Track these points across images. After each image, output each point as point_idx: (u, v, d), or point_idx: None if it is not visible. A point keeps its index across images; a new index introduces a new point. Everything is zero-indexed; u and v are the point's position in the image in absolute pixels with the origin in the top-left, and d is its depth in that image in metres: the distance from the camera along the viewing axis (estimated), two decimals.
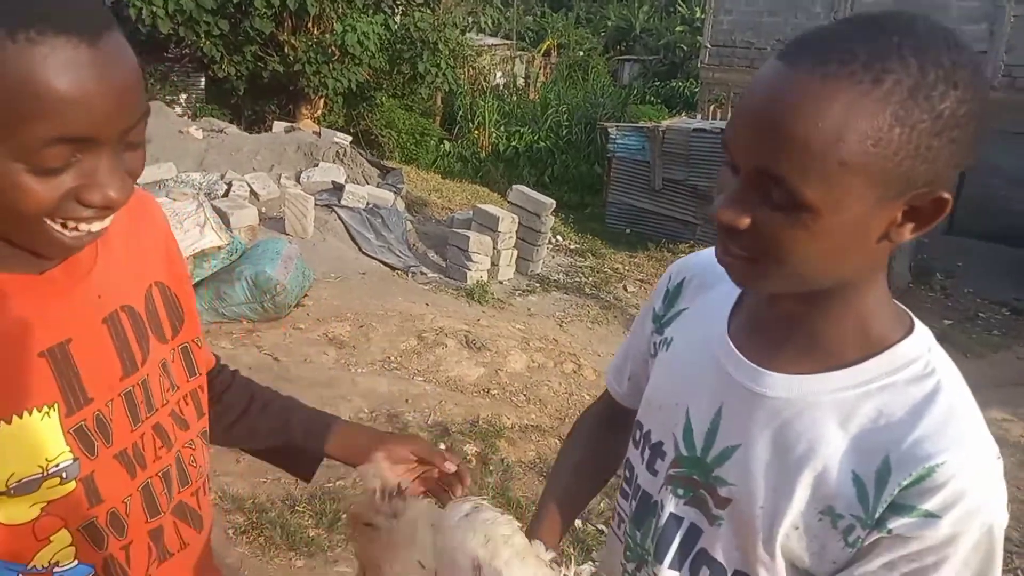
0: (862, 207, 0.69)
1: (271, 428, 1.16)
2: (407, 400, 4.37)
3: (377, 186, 7.32)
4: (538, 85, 18.60)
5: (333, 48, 10.41)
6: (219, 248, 4.99)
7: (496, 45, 19.32)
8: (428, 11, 11.28)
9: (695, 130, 11.29)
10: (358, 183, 7.18)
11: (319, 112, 11.23)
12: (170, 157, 6.99)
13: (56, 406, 0.82)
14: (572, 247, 8.60)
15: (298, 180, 7.08)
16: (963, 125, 0.67)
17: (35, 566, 0.84)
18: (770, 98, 0.68)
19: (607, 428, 1.16)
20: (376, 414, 4.21)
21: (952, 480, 0.72)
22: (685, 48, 21.13)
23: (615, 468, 1.14)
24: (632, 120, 13.92)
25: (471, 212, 6.85)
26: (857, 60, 0.65)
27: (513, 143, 15.22)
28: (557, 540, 1.05)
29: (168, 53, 11.11)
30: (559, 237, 8.78)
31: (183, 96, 11.25)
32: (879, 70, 0.65)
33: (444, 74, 11.55)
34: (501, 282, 6.57)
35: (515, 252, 6.69)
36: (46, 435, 0.81)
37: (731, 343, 0.87)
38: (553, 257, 7.80)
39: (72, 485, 0.84)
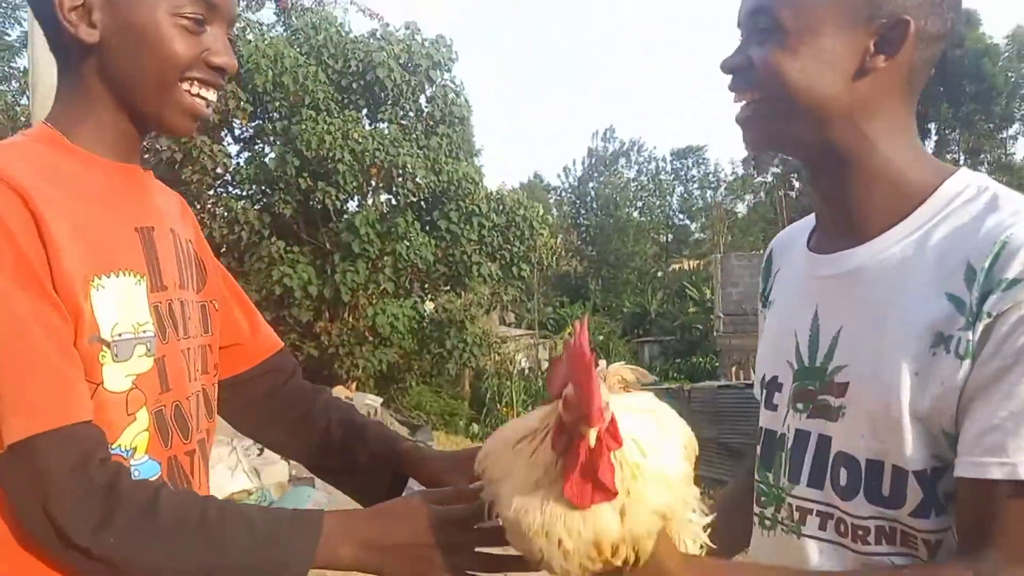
0: (830, 30, 0.82)
1: (346, 438, 1.13)
2: None
3: None
4: None
5: (365, 331, 11.05)
6: (249, 493, 4.89)
7: (520, 335, 20.37)
8: (456, 295, 12.12)
9: (721, 387, 11.40)
10: None
11: (351, 393, 11.56)
12: None
13: (144, 279, 0.90)
14: None
15: None
16: None
17: (120, 446, 0.85)
18: None
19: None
20: None
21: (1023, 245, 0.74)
22: (700, 327, 22.05)
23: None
24: (655, 386, 14.13)
25: None
26: None
27: None
28: None
29: None
30: None
31: None
32: None
33: (471, 351, 12.03)
34: None
35: None
36: (138, 299, 0.89)
37: (811, 253, 0.96)
38: None
39: (151, 363, 0.89)
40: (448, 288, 12.14)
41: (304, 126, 10.23)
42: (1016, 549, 0.74)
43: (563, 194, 27.79)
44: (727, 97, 0.91)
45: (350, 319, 11.43)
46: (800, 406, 0.91)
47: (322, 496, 5.26)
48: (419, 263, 10.88)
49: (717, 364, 17.07)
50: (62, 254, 0.79)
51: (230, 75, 0.93)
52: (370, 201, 11.55)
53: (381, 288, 11.03)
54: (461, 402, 14.97)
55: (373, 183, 11.13)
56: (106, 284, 0.84)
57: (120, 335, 0.85)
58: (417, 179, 10.94)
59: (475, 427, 14.93)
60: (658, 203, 28.95)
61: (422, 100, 11.71)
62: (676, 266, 27.39)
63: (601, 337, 21.42)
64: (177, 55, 0.87)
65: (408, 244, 10.75)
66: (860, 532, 0.83)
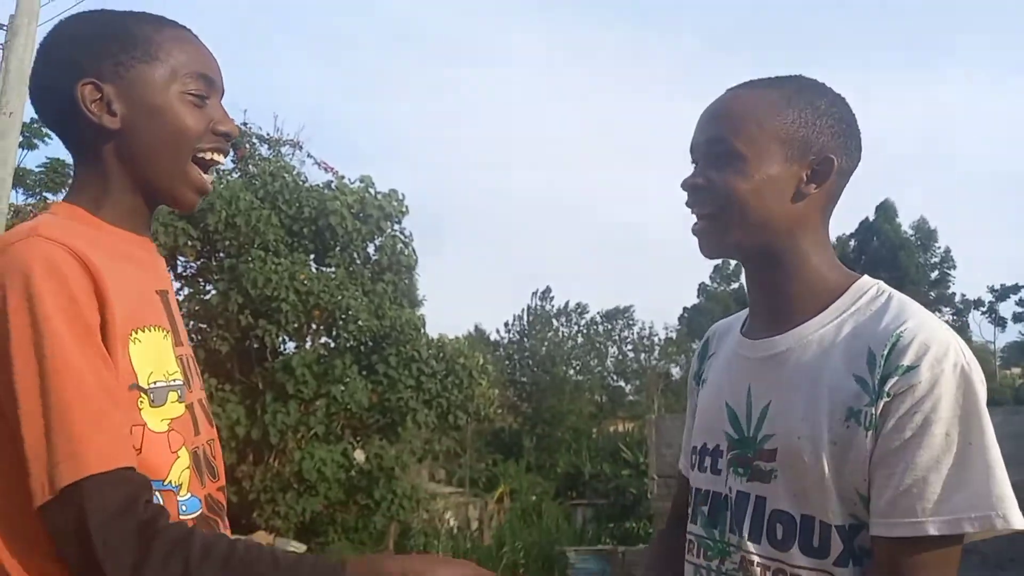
0: (776, 161, 1.01)
1: None
2: None
3: None
4: (492, 528, 18.54)
5: (290, 478, 10.61)
6: None
7: (451, 493, 19.72)
8: (388, 443, 11.84)
9: None
10: None
11: (271, 540, 10.87)
12: None
13: (169, 335, 1.00)
14: None
15: None
16: (834, 120, 1.04)
17: (170, 482, 0.93)
18: (712, 106, 1.07)
19: (673, 530, 1.28)
20: None
21: (916, 337, 0.92)
22: (635, 491, 21.74)
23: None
24: (590, 548, 13.72)
25: None
26: (765, 82, 1.06)
27: None
28: None
29: None
30: None
31: None
32: (779, 84, 1.05)
33: (400, 503, 11.61)
34: None
35: None
36: (167, 351, 0.98)
37: (743, 338, 1.12)
38: None
39: (183, 408, 0.98)
40: (381, 437, 11.89)
41: (252, 265, 10.33)
42: None
43: (501, 349, 28.09)
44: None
45: (275, 464, 10.99)
46: (741, 471, 1.04)
47: None
48: (353, 407, 10.71)
49: (651, 530, 16.76)
50: (113, 310, 0.87)
51: (234, 139, 1.05)
52: (309, 343, 11.49)
53: (312, 431, 10.74)
54: None
55: (315, 325, 11.15)
56: (142, 338, 0.92)
57: (155, 383, 0.93)
58: (359, 322, 11.02)
59: None
60: (595, 363, 29.45)
61: (370, 248, 12.04)
62: (612, 428, 27.42)
63: (534, 498, 20.90)
64: (191, 128, 0.99)
65: (344, 387, 10.62)
66: None
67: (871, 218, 31.28)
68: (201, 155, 1.01)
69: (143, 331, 0.93)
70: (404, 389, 11.21)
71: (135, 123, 0.97)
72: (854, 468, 0.92)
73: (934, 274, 32.72)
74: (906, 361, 0.90)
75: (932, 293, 32.02)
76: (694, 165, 1.07)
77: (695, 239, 1.09)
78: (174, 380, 0.96)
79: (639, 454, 22.52)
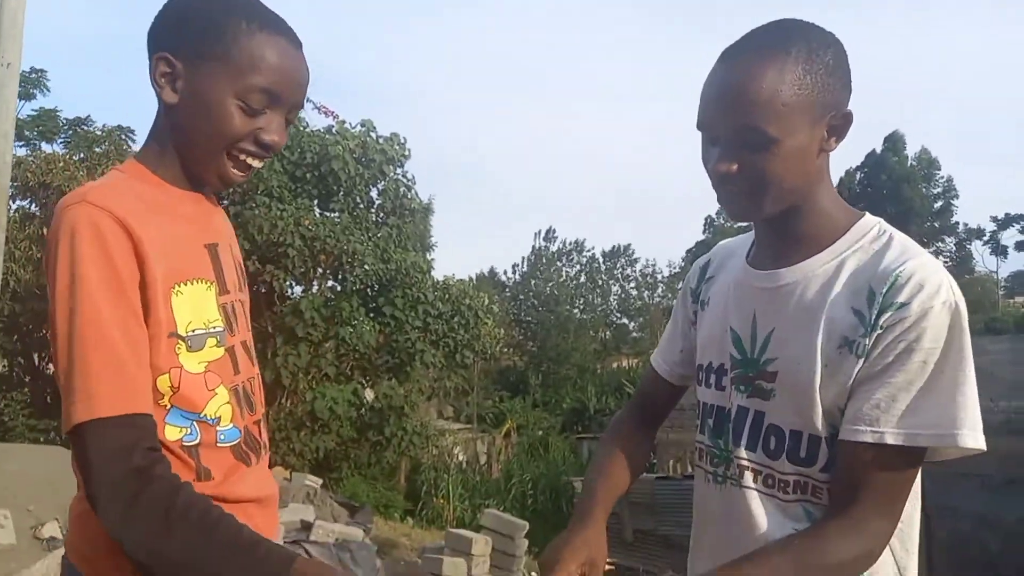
0: (803, 130, 1.04)
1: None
2: None
3: (346, 524, 7.24)
4: (500, 462, 19.05)
5: (303, 416, 10.93)
6: None
7: (460, 429, 20.19)
8: (397, 383, 12.12)
9: (659, 479, 11.48)
10: (327, 521, 7.10)
11: (288, 475, 11.28)
12: None
13: (213, 285, 1.09)
14: None
15: None
16: (840, 71, 1.06)
17: (205, 415, 1.04)
18: (726, 83, 1.05)
19: (637, 427, 1.39)
20: None
21: (912, 276, 1.01)
22: None
23: (644, 463, 1.34)
24: None
25: (443, 541, 6.72)
26: (769, 44, 1.04)
27: (478, 517, 15.06)
28: (602, 529, 1.20)
29: None
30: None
31: None
32: (786, 47, 1.03)
33: (411, 440, 11.96)
34: None
35: None
36: (208, 301, 1.08)
37: (749, 268, 1.19)
38: None
39: (222, 351, 1.08)
40: (390, 377, 12.16)
41: (257, 211, 10.42)
42: (879, 500, 1.00)
43: (508, 290, 28.28)
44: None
45: (288, 404, 11.30)
46: (742, 388, 1.14)
47: None
48: (361, 348, 10.94)
49: (655, 460, 17.24)
50: (153, 268, 0.98)
51: (276, 151, 1.11)
52: (316, 287, 11.67)
53: (322, 372, 11.01)
54: (396, 494, 14.64)
55: (321, 269, 11.30)
56: (184, 291, 1.02)
57: (193, 331, 1.03)
58: (366, 266, 11.16)
59: (410, 520, 14.59)
60: (599, 301, 29.68)
61: (373, 192, 12.08)
62: (615, 364, 27.82)
63: (540, 432, 21.36)
64: (232, 131, 1.03)
65: (352, 329, 10.84)
66: (782, 484, 1.08)
67: (878, 150, 30.94)
68: (235, 153, 1.06)
69: (185, 284, 1.03)
70: (411, 330, 11.44)
71: (187, 105, 1.03)
72: (839, 388, 1.03)
73: (937, 204, 32.56)
74: (901, 298, 1.00)
75: (936, 223, 31.94)
76: (710, 144, 1.07)
77: (719, 203, 1.11)
78: (213, 327, 1.06)
79: None
